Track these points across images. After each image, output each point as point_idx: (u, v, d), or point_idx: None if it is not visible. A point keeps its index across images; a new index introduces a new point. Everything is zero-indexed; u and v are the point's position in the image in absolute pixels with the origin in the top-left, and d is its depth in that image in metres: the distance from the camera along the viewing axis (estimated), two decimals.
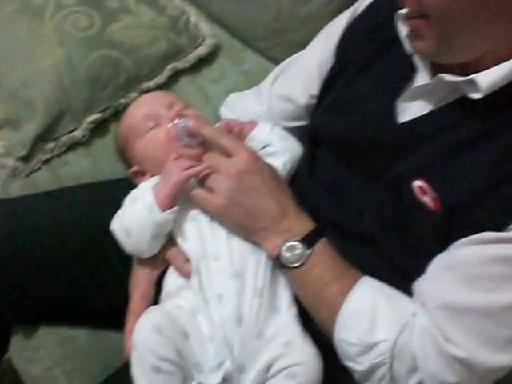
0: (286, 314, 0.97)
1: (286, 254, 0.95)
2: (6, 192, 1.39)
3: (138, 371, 0.91)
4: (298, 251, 0.95)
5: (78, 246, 1.17)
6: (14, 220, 1.17)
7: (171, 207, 0.97)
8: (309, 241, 0.95)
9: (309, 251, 0.95)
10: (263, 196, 0.97)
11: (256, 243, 0.98)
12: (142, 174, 1.09)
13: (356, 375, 0.93)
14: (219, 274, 0.96)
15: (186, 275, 0.98)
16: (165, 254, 1.01)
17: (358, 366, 0.90)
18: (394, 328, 0.88)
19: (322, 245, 0.96)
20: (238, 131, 1.09)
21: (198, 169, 0.99)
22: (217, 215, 0.98)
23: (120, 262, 1.14)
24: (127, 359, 0.93)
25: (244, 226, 0.97)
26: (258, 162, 0.99)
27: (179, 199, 0.99)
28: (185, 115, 1.05)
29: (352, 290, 0.93)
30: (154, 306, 0.99)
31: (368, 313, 0.90)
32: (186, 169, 0.98)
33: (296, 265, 0.95)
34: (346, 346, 0.91)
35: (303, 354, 0.93)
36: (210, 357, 0.93)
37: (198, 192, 0.99)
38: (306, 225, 0.98)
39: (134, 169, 1.10)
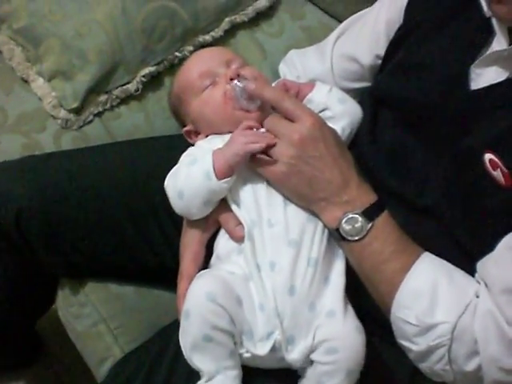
0: (335, 284, 0.95)
1: (346, 227, 0.91)
2: (57, 144, 1.39)
3: (187, 338, 0.90)
4: (358, 224, 0.91)
5: (128, 202, 1.16)
6: (67, 175, 1.16)
7: (228, 176, 0.94)
8: (370, 214, 0.92)
9: (370, 224, 0.91)
10: (326, 165, 0.93)
11: (314, 213, 0.94)
12: (195, 133, 1.06)
13: (411, 355, 0.90)
14: (273, 241, 0.93)
15: (238, 239, 0.95)
16: (216, 215, 0.98)
17: (414, 346, 0.88)
18: (455, 309, 0.85)
19: (383, 218, 0.93)
20: (295, 93, 1.05)
21: (261, 145, 0.93)
22: (276, 182, 0.95)
23: (171, 220, 1.13)
24: (174, 319, 0.92)
25: (303, 195, 0.94)
26: (322, 128, 0.94)
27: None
28: (244, 75, 1.00)
29: (412, 267, 0.90)
30: (206, 271, 0.97)
31: (428, 292, 0.87)
32: (251, 142, 0.93)
33: (356, 238, 0.91)
34: (404, 326, 0.88)
35: (343, 327, 0.91)
36: (259, 326, 0.92)
37: (258, 157, 0.95)
38: (367, 196, 0.94)
39: (187, 128, 1.07)
